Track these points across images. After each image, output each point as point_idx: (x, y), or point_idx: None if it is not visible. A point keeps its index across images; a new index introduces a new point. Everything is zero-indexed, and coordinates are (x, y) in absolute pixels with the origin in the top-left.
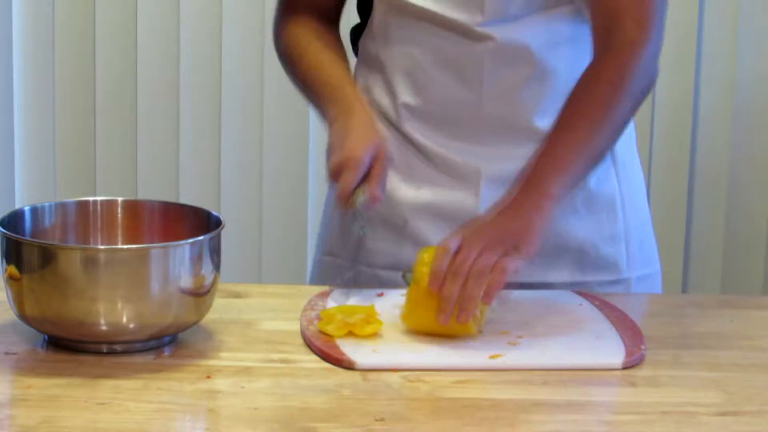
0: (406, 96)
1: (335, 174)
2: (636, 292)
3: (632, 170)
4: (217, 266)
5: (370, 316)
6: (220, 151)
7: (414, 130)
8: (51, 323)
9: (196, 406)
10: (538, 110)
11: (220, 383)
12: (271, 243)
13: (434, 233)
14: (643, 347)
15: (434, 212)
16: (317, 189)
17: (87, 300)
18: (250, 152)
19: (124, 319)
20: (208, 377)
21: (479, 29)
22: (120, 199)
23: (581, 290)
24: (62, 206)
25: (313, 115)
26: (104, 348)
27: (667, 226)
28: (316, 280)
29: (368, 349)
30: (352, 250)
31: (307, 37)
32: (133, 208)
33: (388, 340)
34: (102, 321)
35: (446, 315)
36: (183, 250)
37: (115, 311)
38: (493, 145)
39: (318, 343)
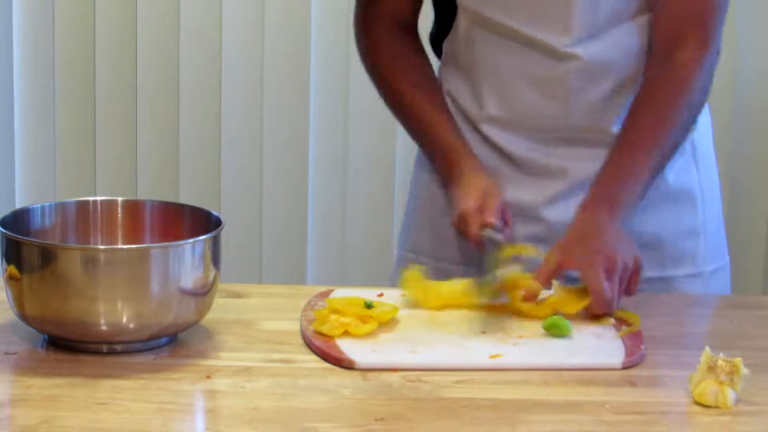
0: (491, 105)
1: (462, 233)
2: (710, 285)
3: (710, 162)
4: (217, 266)
5: (365, 315)
6: (220, 151)
7: (497, 134)
8: (51, 323)
9: (196, 406)
10: (620, 118)
11: (220, 383)
12: (271, 243)
13: (516, 232)
14: (643, 347)
15: (517, 213)
16: (317, 189)
17: (87, 300)
18: (250, 152)
19: (124, 319)
20: (208, 377)
21: (565, 50)
22: (120, 199)
23: (659, 286)
24: (62, 206)
25: (312, 116)
26: (104, 348)
27: None
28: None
29: (368, 348)
30: (432, 247)
31: (401, 68)
32: (133, 208)
33: (388, 340)
34: (102, 321)
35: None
36: (183, 250)
37: (115, 311)
38: (579, 147)
39: (318, 343)
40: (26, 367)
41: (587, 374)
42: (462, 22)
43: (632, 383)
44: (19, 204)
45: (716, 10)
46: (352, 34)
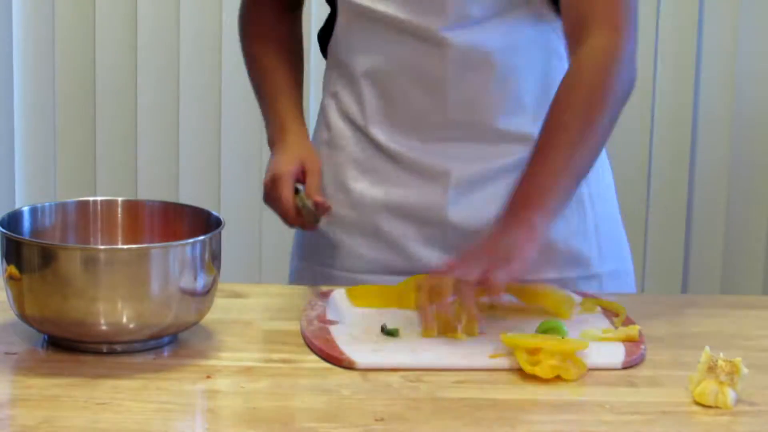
0: (372, 101)
1: (268, 196)
2: (608, 287)
3: (601, 162)
4: (217, 266)
5: (568, 354)
6: (220, 151)
7: (381, 133)
8: (51, 323)
9: (196, 406)
10: (501, 112)
11: (220, 383)
12: (271, 243)
13: (405, 235)
14: (643, 347)
15: (404, 213)
16: None
17: (87, 300)
18: (250, 152)
19: (124, 319)
20: (208, 377)
21: (441, 34)
22: (120, 199)
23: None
24: (62, 206)
25: (312, 116)
26: (104, 348)
27: (667, 226)
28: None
29: (368, 348)
30: (328, 256)
31: (264, 37)
32: (133, 208)
33: (388, 340)
34: (102, 321)
35: (429, 329)
36: (183, 250)
37: (115, 311)
38: (460, 146)
39: (318, 343)
40: (26, 367)
41: (587, 374)
42: (341, 18)
43: (632, 383)
44: (19, 204)
45: (626, 9)
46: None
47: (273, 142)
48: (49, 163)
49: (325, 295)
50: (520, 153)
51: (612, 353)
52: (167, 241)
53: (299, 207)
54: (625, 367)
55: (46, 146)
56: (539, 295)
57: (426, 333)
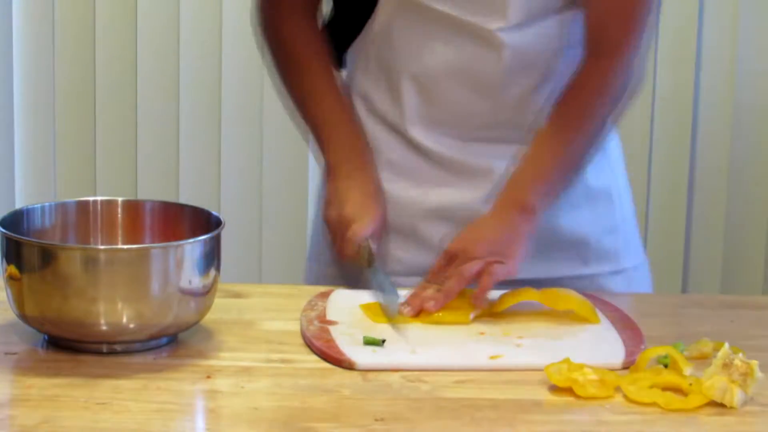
0: (413, 102)
1: (336, 233)
2: (633, 282)
3: (621, 163)
4: (217, 266)
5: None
6: (220, 151)
7: (421, 135)
8: (51, 323)
9: (196, 406)
10: (538, 115)
11: (220, 383)
12: (271, 243)
13: (444, 236)
14: (643, 347)
15: (443, 215)
16: (317, 189)
17: (87, 300)
18: (250, 152)
19: (124, 319)
20: (208, 377)
21: (498, 36)
22: (120, 199)
23: (584, 283)
24: (62, 206)
25: None
26: (104, 348)
27: (666, 226)
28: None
29: (368, 349)
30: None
31: (302, 47)
32: (133, 208)
33: (388, 340)
34: (102, 321)
35: (412, 309)
36: (183, 250)
37: (115, 311)
38: (504, 146)
39: (318, 343)
40: (26, 367)
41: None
42: (381, 15)
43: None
44: (19, 204)
45: (642, 8)
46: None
47: (336, 173)
48: (49, 163)
49: (324, 295)
50: None
51: (612, 353)
52: (167, 241)
53: (360, 248)
54: (625, 367)
55: (46, 146)
56: (564, 300)
57: (397, 316)
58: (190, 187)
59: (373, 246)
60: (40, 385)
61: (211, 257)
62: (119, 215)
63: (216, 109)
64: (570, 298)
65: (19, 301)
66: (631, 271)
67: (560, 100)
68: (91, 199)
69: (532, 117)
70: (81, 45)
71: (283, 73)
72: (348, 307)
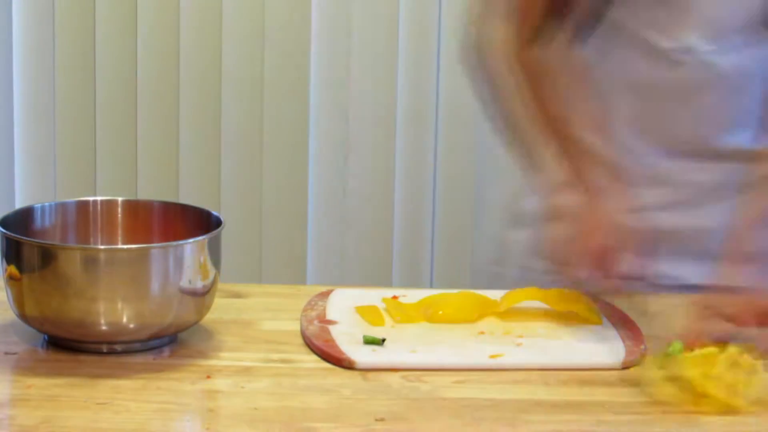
0: (625, 116)
1: (600, 261)
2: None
3: None
4: (217, 266)
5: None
6: (220, 151)
7: (630, 147)
8: (51, 323)
9: (196, 406)
10: (724, 130)
11: (220, 383)
12: (271, 243)
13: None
14: (643, 347)
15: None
16: (317, 189)
17: (87, 300)
18: (250, 152)
19: (124, 319)
20: (208, 377)
21: (681, 52)
22: (120, 199)
23: None
24: (62, 206)
25: (312, 115)
26: (104, 348)
27: None
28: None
29: (368, 348)
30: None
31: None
32: (133, 208)
33: (388, 340)
34: (102, 321)
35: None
36: (183, 250)
37: (115, 311)
38: (677, 161)
39: (318, 343)
40: (26, 367)
41: (587, 374)
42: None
43: (632, 383)
44: (19, 204)
45: None
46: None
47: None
48: (49, 163)
49: (324, 295)
50: (734, 171)
51: (612, 353)
52: (167, 241)
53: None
54: (625, 367)
55: (46, 146)
56: (566, 300)
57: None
58: (190, 187)
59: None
60: (40, 385)
61: (211, 257)
62: (119, 215)
63: (216, 109)
64: (573, 300)
65: (19, 301)
66: None
67: None
68: (91, 199)
69: (710, 134)
70: (81, 45)
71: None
72: (348, 307)
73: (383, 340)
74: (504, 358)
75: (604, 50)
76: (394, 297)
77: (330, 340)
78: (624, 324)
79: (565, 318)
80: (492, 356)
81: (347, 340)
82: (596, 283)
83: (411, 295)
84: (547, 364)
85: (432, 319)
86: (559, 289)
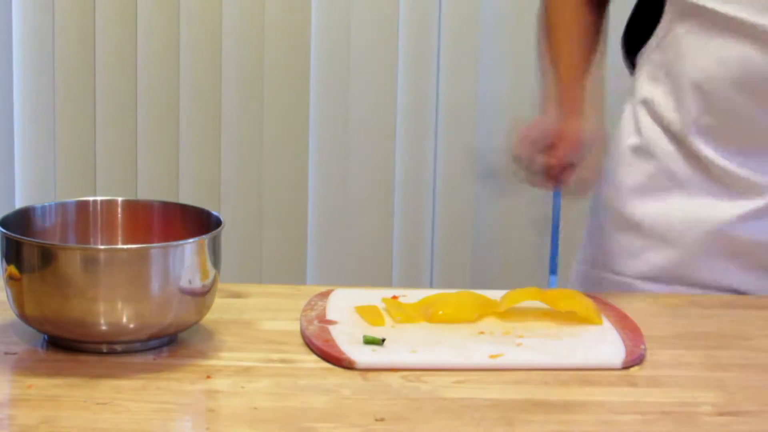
0: (697, 113)
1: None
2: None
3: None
4: (217, 266)
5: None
6: (220, 151)
7: (705, 147)
8: (51, 323)
9: (196, 406)
10: None
11: (220, 383)
12: (271, 243)
13: (705, 249)
14: (643, 347)
15: (714, 230)
16: (317, 189)
17: (87, 300)
18: (250, 152)
19: (124, 319)
20: (208, 377)
21: None
22: (120, 199)
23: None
24: (62, 206)
25: (313, 116)
26: (104, 348)
27: None
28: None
29: (368, 348)
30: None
31: (564, 24)
32: (133, 208)
33: (388, 340)
34: (102, 321)
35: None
36: (183, 250)
37: (115, 311)
38: None
39: (318, 343)
40: (26, 367)
41: (587, 374)
42: (666, 21)
43: (632, 383)
44: (19, 204)
45: None
46: (353, 32)
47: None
48: (49, 163)
49: (324, 295)
50: None
51: (612, 353)
52: (167, 241)
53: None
54: (625, 367)
55: (46, 146)
56: (566, 300)
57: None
58: (190, 187)
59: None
60: (40, 385)
61: (211, 257)
62: (119, 215)
63: (216, 109)
64: (573, 299)
65: (19, 301)
66: None
67: None
68: (91, 199)
69: None
70: (81, 45)
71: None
72: (348, 307)
73: (383, 340)
74: (504, 358)
75: (696, 42)
76: (394, 297)
77: (330, 340)
78: (624, 324)
79: (565, 318)
80: (492, 356)
81: (347, 340)
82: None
83: (411, 295)
84: (547, 364)
85: (432, 319)
86: (559, 289)
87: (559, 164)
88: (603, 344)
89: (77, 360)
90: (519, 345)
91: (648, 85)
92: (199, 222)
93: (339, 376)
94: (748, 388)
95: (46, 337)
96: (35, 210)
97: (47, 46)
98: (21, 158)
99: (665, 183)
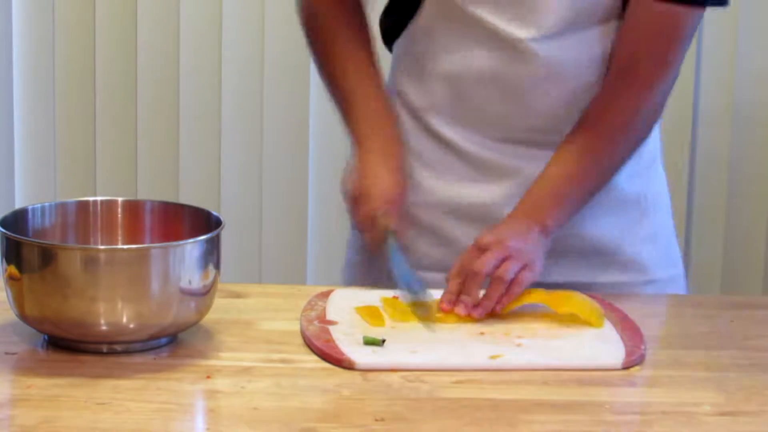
0: (445, 103)
1: (357, 207)
2: (666, 292)
3: (659, 171)
4: (217, 266)
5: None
6: (220, 151)
7: (450, 131)
8: (51, 323)
9: (196, 406)
10: (574, 121)
11: (220, 383)
12: (271, 243)
13: (465, 233)
14: (643, 347)
15: (466, 213)
16: (317, 189)
17: (87, 300)
18: (250, 152)
19: (124, 319)
20: (208, 377)
21: (529, 45)
22: (120, 199)
23: (608, 291)
24: (62, 206)
25: (313, 116)
26: (104, 348)
27: None
28: (350, 281)
29: (368, 349)
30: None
31: (333, 19)
32: (133, 208)
33: (388, 341)
34: (102, 321)
35: (449, 303)
36: (183, 250)
37: (115, 311)
38: (536, 150)
39: (318, 343)
40: (26, 367)
41: (587, 374)
42: (424, 14)
43: (632, 383)
44: (19, 204)
45: (682, 30)
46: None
47: (362, 146)
48: (49, 163)
49: (324, 295)
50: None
51: (612, 353)
52: (167, 241)
53: (377, 222)
54: (625, 367)
55: (46, 146)
56: (569, 303)
57: (439, 315)
58: (190, 187)
59: (390, 224)
60: (40, 385)
61: (211, 257)
62: (119, 215)
63: (216, 109)
64: (575, 301)
65: (19, 301)
66: (664, 283)
67: (584, 118)
68: (91, 199)
69: (567, 125)
70: (81, 45)
71: (318, 46)
72: (348, 307)
73: (383, 341)
74: (504, 358)
75: (436, 37)
76: (395, 297)
77: (330, 341)
78: (624, 324)
79: (566, 319)
80: (492, 357)
81: (347, 341)
82: (357, 226)
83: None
84: (546, 364)
85: (439, 319)
86: (561, 291)
87: (365, 220)
88: (603, 345)
89: (77, 360)
90: (519, 345)
91: (401, 73)
92: (199, 222)
93: (339, 376)
94: (748, 388)
95: (46, 337)
96: (35, 210)
97: (47, 46)
98: (21, 158)
99: (417, 170)
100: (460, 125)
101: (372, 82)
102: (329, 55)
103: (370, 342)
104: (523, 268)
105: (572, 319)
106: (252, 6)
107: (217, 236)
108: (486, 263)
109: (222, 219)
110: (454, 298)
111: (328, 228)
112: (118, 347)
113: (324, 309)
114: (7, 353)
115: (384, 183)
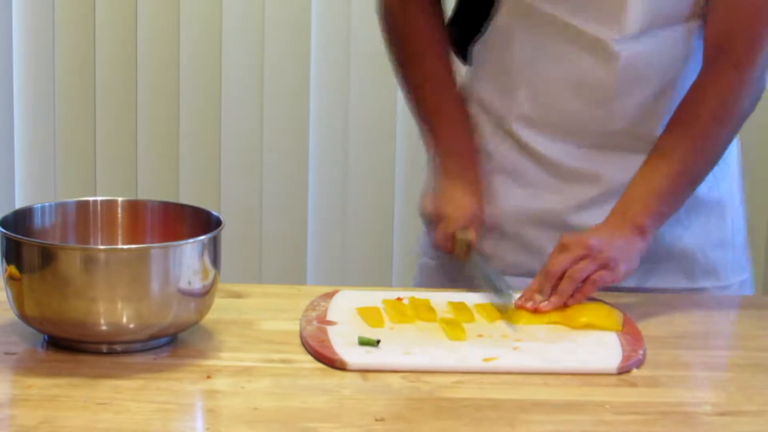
0: (525, 104)
1: (433, 224)
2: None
3: (737, 175)
4: (217, 266)
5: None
6: (220, 151)
7: (532, 138)
8: (51, 323)
9: (196, 406)
10: (662, 124)
11: (220, 383)
12: (271, 243)
13: (547, 238)
14: (641, 352)
15: (548, 220)
16: (317, 189)
17: (87, 300)
18: (250, 152)
19: (124, 319)
20: (208, 377)
21: (612, 46)
22: (120, 199)
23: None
24: (62, 206)
25: (313, 115)
26: (104, 348)
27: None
28: (423, 283)
29: (361, 349)
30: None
31: (421, 34)
32: (133, 208)
33: (384, 341)
34: (102, 321)
35: (524, 300)
36: (183, 250)
37: (115, 311)
38: (617, 154)
39: (312, 343)
40: (26, 367)
41: (587, 375)
42: (501, 17)
43: (632, 383)
44: (19, 204)
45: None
46: (353, 32)
47: (444, 166)
48: (49, 163)
49: (329, 296)
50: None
51: (608, 357)
52: (167, 241)
53: (455, 239)
54: (620, 372)
55: (46, 146)
56: (583, 314)
57: (515, 313)
58: (190, 187)
59: (470, 238)
60: (40, 385)
61: (211, 257)
62: (119, 215)
63: (216, 109)
64: (589, 312)
65: (19, 301)
66: (737, 288)
67: (678, 114)
68: (91, 199)
69: (649, 127)
70: (81, 45)
71: (400, 61)
72: (349, 308)
73: (378, 342)
74: (498, 361)
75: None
76: (399, 299)
77: (325, 341)
78: (626, 329)
79: (579, 325)
80: (486, 359)
81: (343, 341)
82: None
83: (417, 297)
84: (541, 368)
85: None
86: (576, 305)
87: (444, 240)
88: (600, 348)
89: (77, 360)
90: (515, 349)
91: (479, 80)
92: (199, 222)
93: (339, 376)
94: (748, 388)
95: (46, 337)
96: (35, 210)
97: (47, 46)
98: (21, 158)
99: (498, 177)
100: (543, 132)
101: (456, 101)
102: (412, 70)
103: (364, 342)
104: (603, 267)
105: (574, 322)
106: (252, 6)
107: (217, 236)
108: (560, 263)
109: (222, 219)
110: (529, 296)
111: (328, 228)
112: (118, 347)
113: (326, 309)
114: (7, 353)
115: (460, 204)
